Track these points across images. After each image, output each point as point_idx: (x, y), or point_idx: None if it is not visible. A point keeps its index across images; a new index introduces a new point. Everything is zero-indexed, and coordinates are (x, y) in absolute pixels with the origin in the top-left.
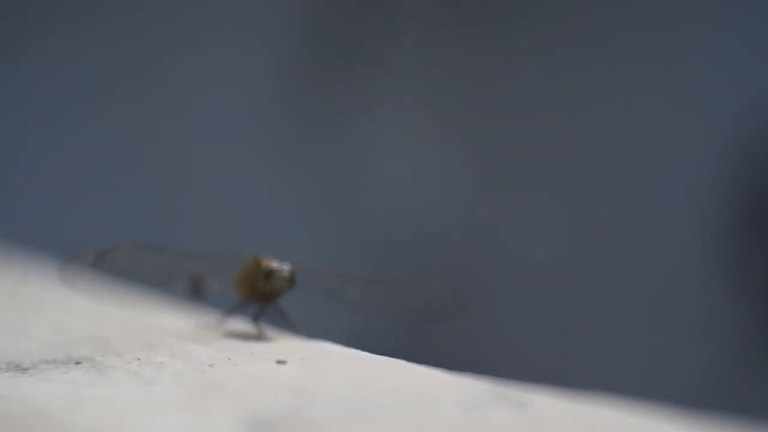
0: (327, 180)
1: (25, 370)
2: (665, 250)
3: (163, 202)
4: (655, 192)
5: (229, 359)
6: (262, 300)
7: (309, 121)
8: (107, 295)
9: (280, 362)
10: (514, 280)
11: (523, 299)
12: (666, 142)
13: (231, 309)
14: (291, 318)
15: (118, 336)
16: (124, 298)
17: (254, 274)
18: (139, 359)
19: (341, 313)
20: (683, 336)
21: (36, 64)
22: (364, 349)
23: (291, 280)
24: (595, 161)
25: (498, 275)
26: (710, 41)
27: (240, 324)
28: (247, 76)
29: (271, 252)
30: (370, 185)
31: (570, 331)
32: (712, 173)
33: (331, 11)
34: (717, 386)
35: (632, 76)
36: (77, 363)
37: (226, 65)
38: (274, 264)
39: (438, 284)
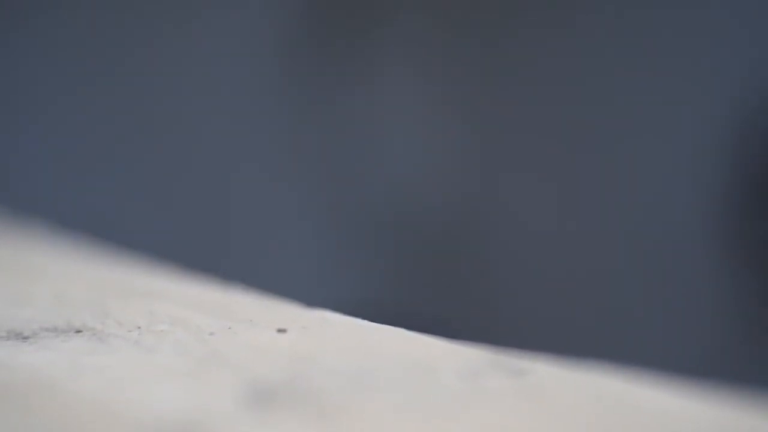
0: (325, 156)
1: (25, 338)
2: (666, 220)
3: (160, 174)
4: (655, 166)
5: (229, 328)
6: None
7: (306, 101)
8: (108, 262)
9: (280, 331)
10: (513, 250)
11: (522, 271)
12: (666, 119)
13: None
14: None
15: (118, 304)
16: (124, 262)
17: None
18: (139, 328)
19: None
20: (683, 306)
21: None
22: (364, 318)
23: None
24: (596, 135)
25: (498, 246)
26: (710, 19)
27: (241, 292)
28: (246, 52)
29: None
30: (369, 161)
31: (569, 301)
32: (712, 149)
33: None
34: (717, 357)
35: (631, 52)
36: (78, 331)
37: (222, 45)
38: None
39: None
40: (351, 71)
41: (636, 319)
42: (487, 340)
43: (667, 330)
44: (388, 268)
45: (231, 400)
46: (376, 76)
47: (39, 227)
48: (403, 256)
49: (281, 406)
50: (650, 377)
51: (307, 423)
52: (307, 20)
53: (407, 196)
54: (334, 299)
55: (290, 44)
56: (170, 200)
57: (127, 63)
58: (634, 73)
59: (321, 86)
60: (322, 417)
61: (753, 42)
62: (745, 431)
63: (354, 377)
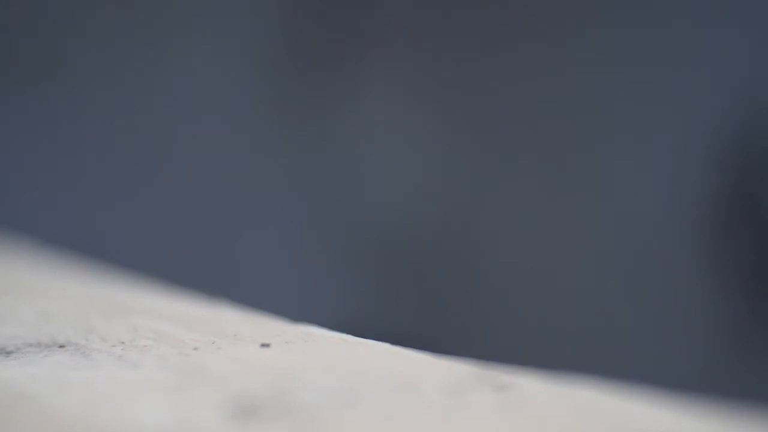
0: (311, 171)
1: (8, 353)
2: (653, 232)
3: (143, 189)
4: (642, 178)
5: (213, 342)
6: None
7: (292, 116)
8: (91, 278)
9: (264, 345)
10: (498, 266)
11: (507, 286)
12: (653, 128)
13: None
14: None
15: (102, 319)
16: (107, 278)
17: None
18: (123, 343)
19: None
20: (671, 320)
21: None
22: (348, 333)
23: None
24: (584, 150)
25: (482, 261)
26: (703, 28)
27: (224, 307)
28: (231, 67)
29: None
30: (356, 176)
31: (555, 315)
32: (699, 159)
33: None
34: (705, 370)
35: (623, 62)
36: (61, 346)
37: (206, 59)
38: None
39: None
40: (338, 86)
41: (623, 333)
42: (472, 354)
43: (654, 344)
44: (372, 284)
45: (214, 415)
46: (363, 91)
47: (22, 243)
48: (388, 272)
49: (265, 421)
50: (637, 391)
51: None
52: (294, 35)
53: (393, 212)
54: (318, 314)
55: (275, 59)
56: (153, 215)
57: (108, 74)
58: (619, 84)
59: (307, 101)
60: (308, 430)
61: (743, 52)
62: None
63: (338, 392)
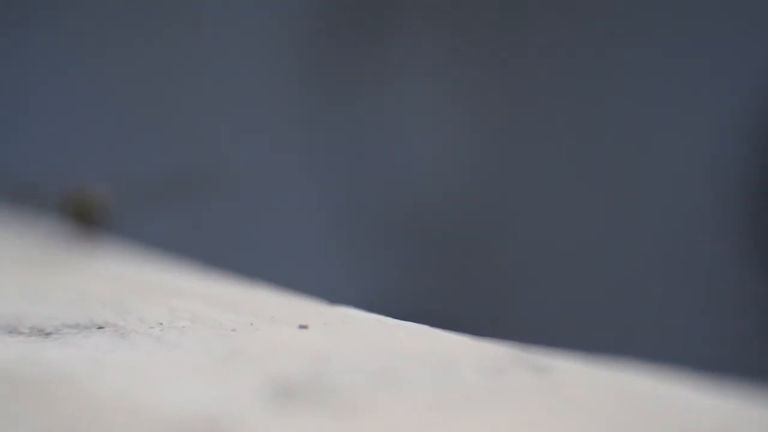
0: (345, 155)
1: (48, 334)
2: (685, 215)
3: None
4: (673, 159)
5: (251, 324)
6: None
7: (324, 100)
8: (128, 258)
9: (302, 327)
10: (534, 247)
11: (543, 267)
12: (684, 114)
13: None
14: None
15: (140, 300)
16: (145, 259)
17: None
18: (161, 324)
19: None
20: (705, 302)
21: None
22: (385, 315)
23: None
24: (612, 130)
25: (519, 243)
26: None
27: (261, 289)
28: (263, 50)
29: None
30: (389, 159)
31: (591, 297)
32: (730, 143)
33: None
34: (738, 352)
35: (652, 40)
36: (100, 328)
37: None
38: None
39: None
40: (367, 70)
41: (658, 315)
42: (509, 336)
43: (688, 326)
44: (409, 266)
45: (253, 397)
46: (391, 75)
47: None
48: (424, 254)
49: (303, 402)
50: (673, 373)
51: (329, 420)
52: (324, 19)
53: (427, 194)
54: (356, 296)
55: (307, 44)
56: (191, 197)
57: (138, 61)
58: (652, 70)
59: (338, 85)
60: (345, 414)
61: None
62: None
63: (376, 374)
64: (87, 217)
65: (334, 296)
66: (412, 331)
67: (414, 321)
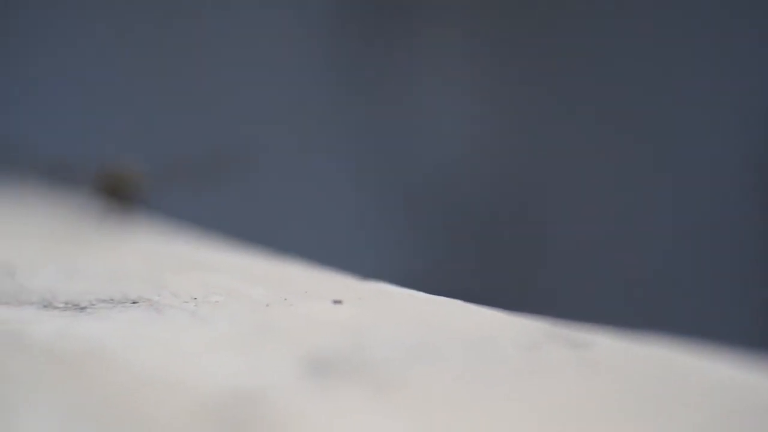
0: (379, 130)
1: (82, 309)
2: (720, 190)
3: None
4: (705, 140)
5: (285, 299)
6: None
7: (358, 77)
8: (161, 233)
9: (336, 302)
10: (572, 223)
11: (581, 242)
12: (713, 96)
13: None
14: None
15: (174, 275)
16: (178, 235)
17: None
18: (195, 299)
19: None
20: (745, 278)
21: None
22: (420, 290)
23: None
24: (644, 110)
25: (556, 218)
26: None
27: (295, 264)
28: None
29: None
30: (422, 134)
31: (629, 273)
32: (763, 121)
33: None
34: None
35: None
36: (133, 302)
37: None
38: None
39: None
40: (400, 48)
41: (696, 291)
42: (544, 312)
43: (727, 302)
44: (443, 241)
45: (289, 372)
46: (425, 54)
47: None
48: (460, 229)
49: (340, 378)
50: (713, 349)
51: (366, 395)
52: (353, 3)
53: (462, 169)
54: (389, 271)
55: (336, 26)
56: (224, 172)
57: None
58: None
59: (370, 63)
60: (381, 389)
61: None
62: None
63: (412, 349)
64: (120, 193)
65: (367, 272)
66: (447, 306)
67: (449, 296)
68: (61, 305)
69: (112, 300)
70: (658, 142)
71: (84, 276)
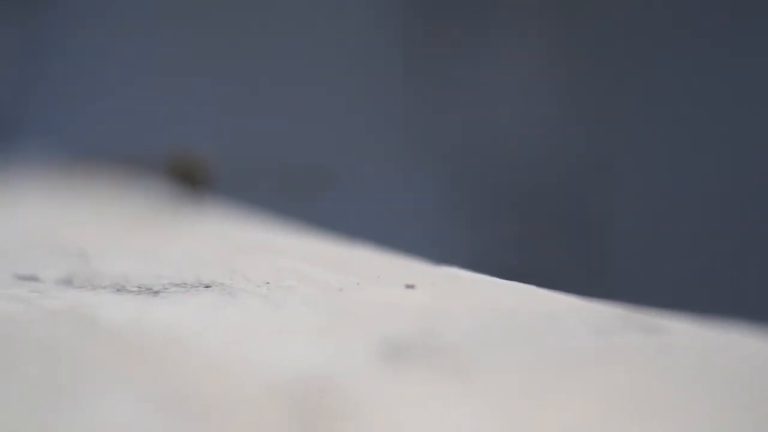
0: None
1: (155, 293)
2: None
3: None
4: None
5: (357, 284)
6: None
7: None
8: (234, 218)
9: (409, 287)
10: (644, 208)
11: (654, 228)
12: None
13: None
14: None
15: (246, 260)
16: (249, 220)
17: None
18: (267, 283)
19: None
20: None
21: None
22: (491, 275)
23: None
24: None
25: (628, 203)
26: None
27: (366, 248)
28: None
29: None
30: (494, 122)
31: (703, 258)
32: None
33: None
34: None
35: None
36: (207, 286)
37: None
38: None
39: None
40: (468, 39)
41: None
42: (617, 297)
43: None
44: (515, 226)
45: (363, 356)
46: (492, 44)
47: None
48: (533, 214)
49: (412, 363)
50: None
51: (440, 379)
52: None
53: (535, 155)
54: (461, 256)
55: (407, 14)
56: (297, 160)
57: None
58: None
59: (440, 54)
60: (455, 373)
61: None
62: None
63: (485, 334)
64: (193, 179)
65: (439, 257)
66: (519, 291)
67: (521, 281)
68: (135, 289)
69: (185, 284)
70: (737, 129)
71: (157, 260)
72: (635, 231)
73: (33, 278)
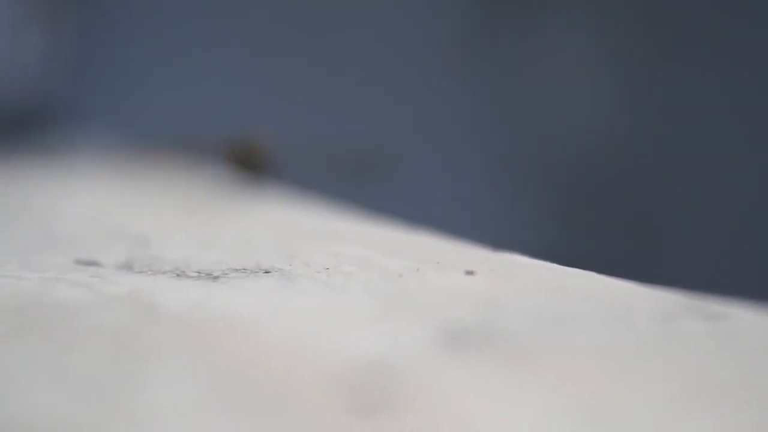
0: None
1: (215, 278)
2: None
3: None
4: None
5: (417, 269)
6: None
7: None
8: (292, 204)
9: (468, 273)
10: (705, 196)
11: (716, 216)
12: None
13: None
14: None
15: (305, 245)
16: (308, 205)
17: None
18: (327, 269)
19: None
20: None
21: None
22: (552, 261)
23: None
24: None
25: (687, 192)
26: None
27: (425, 234)
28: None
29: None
30: (548, 113)
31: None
32: None
33: None
34: None
35: None
36: (266, 272)
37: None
38: None
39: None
40: (528, 28)
41: None
42: (679, 284)
43: None
44: (575, 213)
45: (424, 343)
46: (552, 33)
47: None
48: (592, 202)
49: (473, 349)
50: None
51: (499, 367)
52: None
53: (594, 144)
54: (521, 243)
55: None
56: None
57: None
58: None
59: (497, 44)
60: (517, 361)
61: None
62: None
63: (545, 321)
64: (252, 165)
65: (498, 243)
66: (580, 278)
67: (580, 268)
68: (194, 274)
69: (244, 269)
70: None
71: (217, 246)
72: (696, 218)
73: (94, 263)
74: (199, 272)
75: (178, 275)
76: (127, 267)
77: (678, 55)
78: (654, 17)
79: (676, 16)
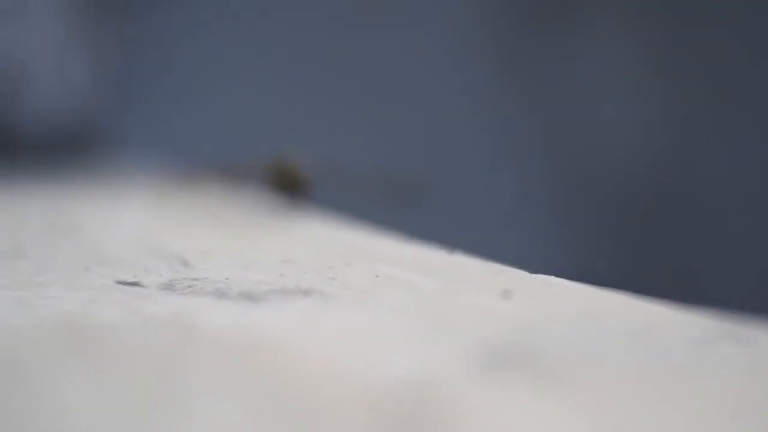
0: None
1: (255, 300)
2: None
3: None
4: None
5: (454, 291)
6: None
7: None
8: (331, 225)
9: (505, 294)
10: (739, 219)
11: (750, 238)
12: None
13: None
14: None
15: (344, 266)
16: (347, 226)
17: None
18: (365, 290)
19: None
20: None
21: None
22: (587, 283)
23: None
24: None
25: (721, 215)
26: None
27: (463, 255)
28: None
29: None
30: (585, 134)
31: None
32: None
33: None
34: None
35: None
36: (306, 293)
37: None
38: None
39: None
40: (568, 50)
41: None
42: (716, 305)
43: None
44: (610, 236)
45: (460, 365)
46: (589, 51)
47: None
48: (627, 225)
49: (510, 371)
50: None
51: (539, 388)
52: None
53: (628, 165)
54: (557, 265)
55: (505, 20)
56: (397, 168)
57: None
58: None
59: (537, 61)
60: (554, 382)
61: None
62: None
63: (582, 344)
64: (291, 186)
65: (535, 265)
66: (614, 301)
67: (615, 290)
68: (235, 295)
69: (284, 290)
70: None
71: (257, 266)
72: (727, 241)
73: (136, 284)
74: (240, 293)
75: (219, 296)
76: (169, 288)
77: (720, 74)
78: (696, 36)
79: (717, 37)
